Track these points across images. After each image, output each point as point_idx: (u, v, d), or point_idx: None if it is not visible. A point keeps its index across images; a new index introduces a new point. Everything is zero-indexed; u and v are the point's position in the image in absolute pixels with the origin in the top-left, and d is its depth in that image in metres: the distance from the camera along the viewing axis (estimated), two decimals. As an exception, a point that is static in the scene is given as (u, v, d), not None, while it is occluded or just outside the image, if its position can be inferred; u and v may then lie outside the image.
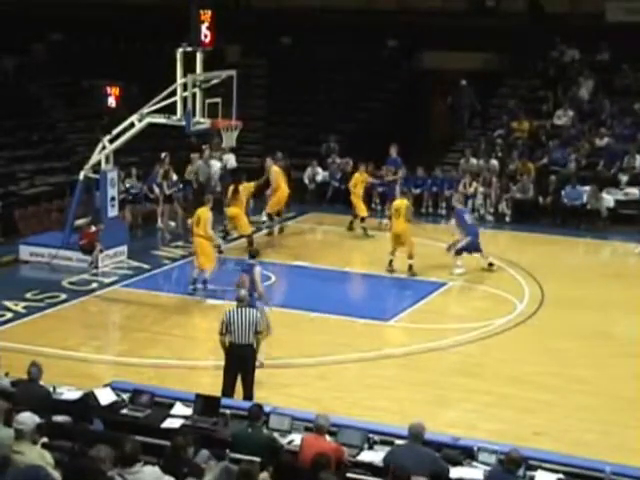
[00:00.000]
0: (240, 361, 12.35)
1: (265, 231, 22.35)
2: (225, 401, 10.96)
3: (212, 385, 12.63)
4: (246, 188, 21.23)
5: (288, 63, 30.61)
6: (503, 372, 14.42)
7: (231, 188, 21.03)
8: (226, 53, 28.47)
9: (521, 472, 9.13)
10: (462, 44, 27.64)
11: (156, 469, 8.27)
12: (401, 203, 19.41)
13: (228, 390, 12.27)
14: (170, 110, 18.90)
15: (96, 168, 19.93)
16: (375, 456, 9.62)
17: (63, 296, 17.74)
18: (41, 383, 10.68)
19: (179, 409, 10.73)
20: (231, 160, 24.74)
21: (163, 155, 23.12)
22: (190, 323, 16.66)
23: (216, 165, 23.76)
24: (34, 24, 28.50)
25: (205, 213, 17.94)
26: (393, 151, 24.37)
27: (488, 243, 21.63)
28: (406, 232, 19.10)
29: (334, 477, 8.20)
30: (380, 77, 29.56)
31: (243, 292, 12.84)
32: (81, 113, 27.88)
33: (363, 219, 22.48)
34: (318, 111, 28.90)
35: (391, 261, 19.20)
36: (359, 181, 22.76)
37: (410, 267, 19.06)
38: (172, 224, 23.09)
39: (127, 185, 22.24)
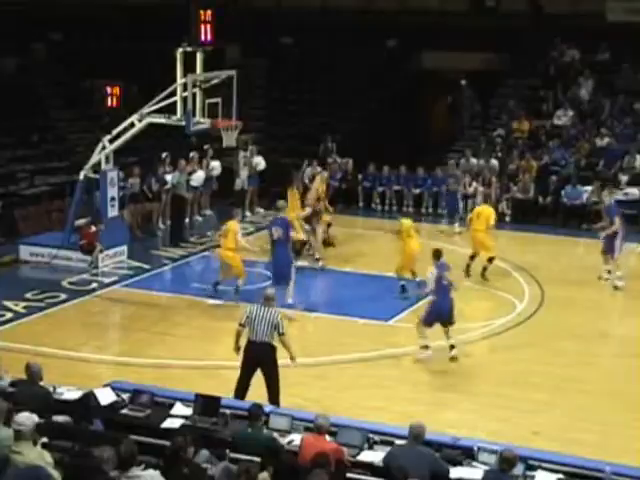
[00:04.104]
0: (257, 359, 12.27)
1: None
2: (225, 401, 10.95)
3: (212, 385, 12.64)
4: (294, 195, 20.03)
5: (288, 63, 30.63)
6: (503, 372, 14.43)
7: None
8: (226, 53, 28.47)
9: (520, 472, 9.14)
10: (462, 44, 27.66)
11: (157, 474, 8.24)
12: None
13: (241, 391, 12.24)
14: (170, 110, 18.90)
15: (96, 168, 19.95)
16: (375, 456, 9.61)
17: (63, 296, 17.74)
18: (41, 383, 10.68)
19: (179, 409, 10.72)
20: (260, 163, 24.85)
21: (164, 155, 23.13)
22: (190, 323, 16.64)
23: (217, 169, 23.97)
24: (34, 24, 28.48)
25: (234, 225, 17.35)
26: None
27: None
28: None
29: (326, 476, 8.17)
30: (380, 77, 29.56)
31: (271, 291, 12.80)
32: (81, 113, 27.89)
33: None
34: (318, 111, 28.92)
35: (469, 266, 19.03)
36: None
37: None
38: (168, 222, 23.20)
39: (122, 185, 22.12)
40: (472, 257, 19.11)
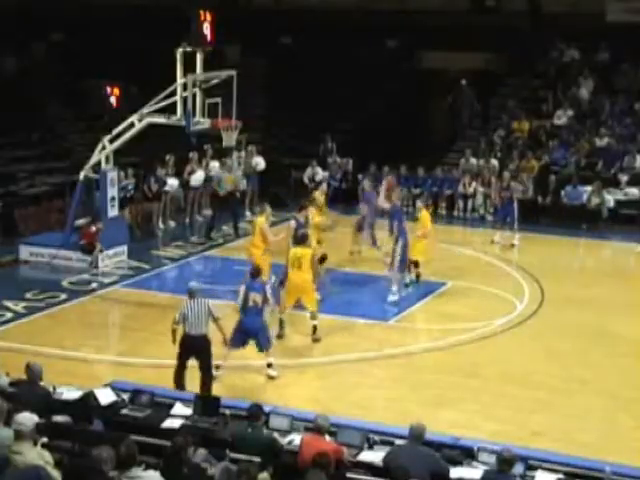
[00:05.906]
0: (193, 351, 12.71)
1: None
2: (225, 401, 10.95)
3: (212, 385, 12.63)
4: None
5: (288, 63, 30.63)
6: (503, 372, 14.42)
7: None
8: (226, 53, 28.48)
9: (520, 472, 9.14)
10: (462, 44, 27.69)
11: (157, 474, 8.23)
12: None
13: (179, 379, 12.57)
14: (170, 110, 18.90)
15: (96, 168, 19.95)
16: (375, 456, 9.61)
17: (63, 296, 17.74)
18: (41, 383, 10.68)
19: (179, 409, 10.72)
20: (260, 163, 24.80)
21: (167, 157, 23.17)
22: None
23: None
24: (34, 24, 28.48)
25: (260, 221, 17.06)
26: None
27: (488, 243, 21.71)
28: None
29: (324, 476, 8.16)
30: (380, 77, 29.56)
31: (194, 284, 13.16)
32: (81, 113, 27.88)
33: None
34: (318, 111, 28.91)
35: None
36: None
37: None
38: (172, 224, 23.21)
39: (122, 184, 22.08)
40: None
